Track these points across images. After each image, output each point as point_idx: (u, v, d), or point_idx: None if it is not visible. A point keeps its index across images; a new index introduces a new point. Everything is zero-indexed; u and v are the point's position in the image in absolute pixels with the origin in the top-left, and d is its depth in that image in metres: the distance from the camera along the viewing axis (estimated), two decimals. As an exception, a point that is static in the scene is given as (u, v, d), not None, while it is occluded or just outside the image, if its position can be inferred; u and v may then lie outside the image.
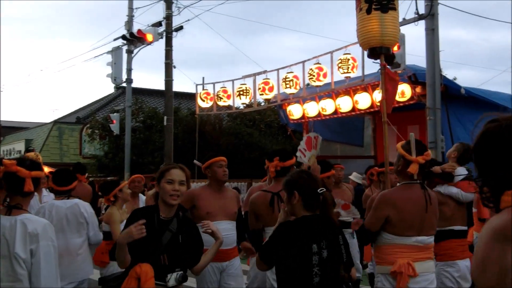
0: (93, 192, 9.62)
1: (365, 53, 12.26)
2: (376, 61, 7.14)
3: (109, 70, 18.92)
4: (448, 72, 33.26)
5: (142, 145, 21.09)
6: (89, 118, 26.39)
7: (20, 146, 29.10)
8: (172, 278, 3.79)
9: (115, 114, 20.69)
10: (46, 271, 3.42)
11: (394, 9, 6.38)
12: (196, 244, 4.09)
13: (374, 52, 6.79)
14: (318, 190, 3.69)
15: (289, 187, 3.74)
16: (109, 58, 19.01)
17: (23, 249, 3.38)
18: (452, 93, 12.29)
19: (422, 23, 11.29)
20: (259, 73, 14.54)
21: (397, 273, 4.50)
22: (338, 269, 3.61)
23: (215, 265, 5.54)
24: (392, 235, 4.59)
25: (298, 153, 6.20)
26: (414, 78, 12.12)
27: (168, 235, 3.84)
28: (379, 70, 7.06)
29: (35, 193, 9.03)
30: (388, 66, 11.20)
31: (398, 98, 12.44)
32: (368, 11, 6.36)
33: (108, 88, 65.43)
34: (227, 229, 5.57)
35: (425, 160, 4.71)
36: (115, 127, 20.00)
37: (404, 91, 12.33)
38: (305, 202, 3.67)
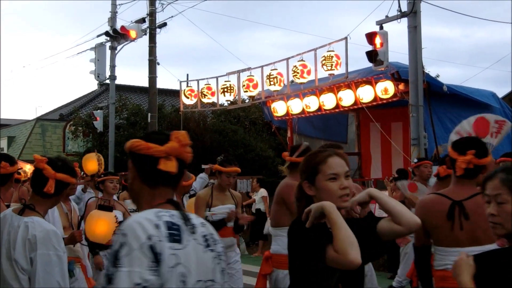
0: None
1: (349, 50, 12.44)
2: None
3: (92, 66, 18.79)
4: (431, 69, 33.48)
5: (126, 142, 20.98)
6: (72, 115, 26.19)
7: (3, 144, 28.82)
8: None
9: (98, 111, 20.57)
10: (43, 283, 3.13)
11: None
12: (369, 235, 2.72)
13: None
14: None
15: None
16: (92, 54, 18.90)
17: (23, 256, 3.15)
18: (434, 90, 12.40)
19: (404, 21, 11.39)
20: (243, 70, 14.58)
21: None
22: None
23: None
24: None
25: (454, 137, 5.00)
26: (397, 75, 12.21)
27: None
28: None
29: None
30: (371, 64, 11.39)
31: (381, 95, 12.54)
32: None
33: (91, 85, 65.26)
34: None
35: None
36: (98, 124, 19.88)
37: (387, 88, 12.40)
38: None
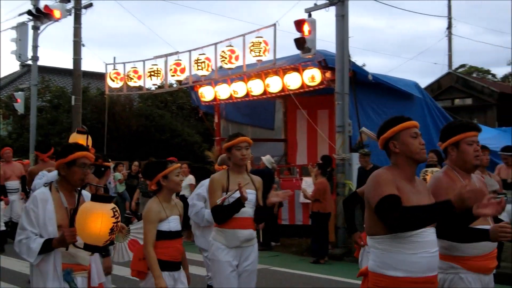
0: None
1: (278, 37, 12.49)
2: None
3: (13, 46, 18.18)
4: (357, 59, 34.15)
5: (49, 126, 20.50)
6: (-9, 96, 25.31)
7: None
8: None
9: (19, 92, 19.93)
10: None
11: None
12: None
13: None
14: None
15: None
16: (13, 34, 18.27)
17: None
18: (360, 79, 12.64)
19: (333, 9, 11.53)
20: (170, 54, 14.42)
21: None
22: None
23: None
24: None
25: None
26: (324, 63, 12.38)
27: None
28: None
29: None
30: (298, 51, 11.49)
31: (308, 82, 12.68)
32: None
33: (13, 66, 62.86)
34: None
35: None
36: (19, 106, 19.26)
37: (314, 76, 12.56)
38: None
